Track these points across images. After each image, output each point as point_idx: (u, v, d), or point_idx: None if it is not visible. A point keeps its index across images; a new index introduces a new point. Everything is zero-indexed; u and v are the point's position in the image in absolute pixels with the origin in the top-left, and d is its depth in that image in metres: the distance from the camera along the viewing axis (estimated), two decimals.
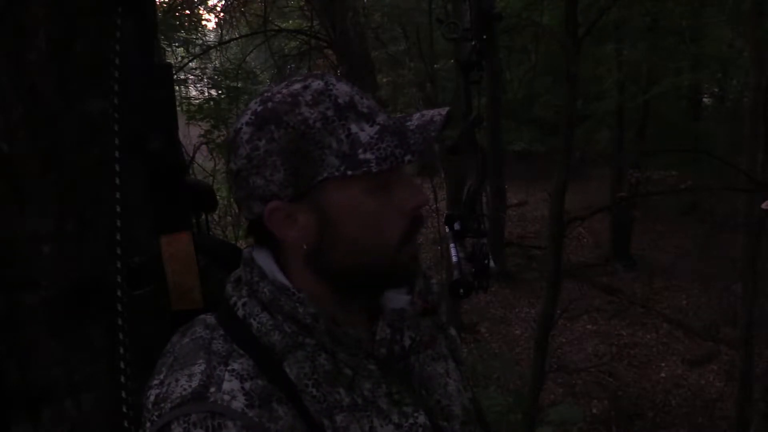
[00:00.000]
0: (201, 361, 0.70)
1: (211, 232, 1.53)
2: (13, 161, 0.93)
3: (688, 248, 9.78)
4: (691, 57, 9.61)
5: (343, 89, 0.74)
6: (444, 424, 0.80)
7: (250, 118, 0.73)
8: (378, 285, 0.78)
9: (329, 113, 0.71)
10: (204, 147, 6.82)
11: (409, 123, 0.73)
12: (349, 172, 0.70)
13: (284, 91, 0.73)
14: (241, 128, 0.74)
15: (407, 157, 0.70)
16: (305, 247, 0.74)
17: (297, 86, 0.73)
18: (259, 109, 0.73)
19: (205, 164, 6.93)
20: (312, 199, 0.72)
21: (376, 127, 0.73)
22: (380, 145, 0.71)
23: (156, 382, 0.71)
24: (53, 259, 0.96)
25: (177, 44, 9.59)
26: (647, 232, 10.65)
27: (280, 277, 0.75)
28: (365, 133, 0.72)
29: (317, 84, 0.73)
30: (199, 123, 7.05)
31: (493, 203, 9.09)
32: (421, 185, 0.83)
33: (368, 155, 0.70)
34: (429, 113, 0.74)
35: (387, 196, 0.73)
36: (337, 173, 0.70)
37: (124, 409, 0.91)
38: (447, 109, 0.75)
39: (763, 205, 3.58)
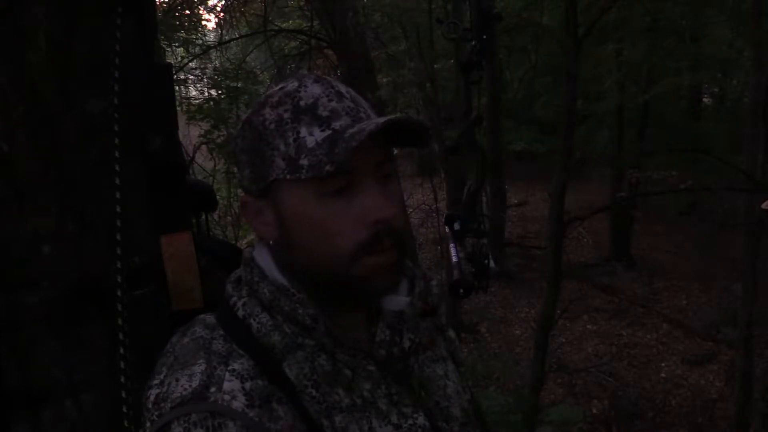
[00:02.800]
0: (201, 361, 0.70)
1: (211, 232, 1.53)
2: (13, 161, 0.93)
3: (688, 248, 9.78)
4: (691, 57, 9.61)
5: (312, 91, 0.73)
6: (443, 426, 0.80)
7: (243, 117, 0.78)
8: (340, 296, 0.75)
9: (285, 115, 0.72)
10: (204, 147, 6.83)
11: (348, 130, 0.70)
12: (289, 176, 0.70)
13: (269, 91, 0.77)
14: (237, 126, 0.80)
15: (327, 168, 0.67)
16: (271, 243, 0.76)
17: (278, 87, 0.76)
18: (250, 108, 0.78)
19: (205, 164, 6.94)
20: (271, 197, 0.74)
21: (327, 133, 0.71)
22: (316, 152, 0.69)
23: (156, 381, 0.71)
24: (53, 259, 0.96)
25: (177, 44, 9.60)
26: (647, 232, 10.65)
27: (280, 278, 0.75)
28: (312, 137, 0.71)
29: (291, 85, 0.74)
30: (199, 123, 7.05)
31: (493, 203, 9.10)
32: (399, 196, 0.78)
33: (305, 161, 0.69)
34: (370, 122, 0.71)
35: (343, 204, 0.71)
36: (282, 176, 0.71)
37: (124, 409, 0.91)
38: (388, 118, 0.70)
39: (763, 205, 3.59)
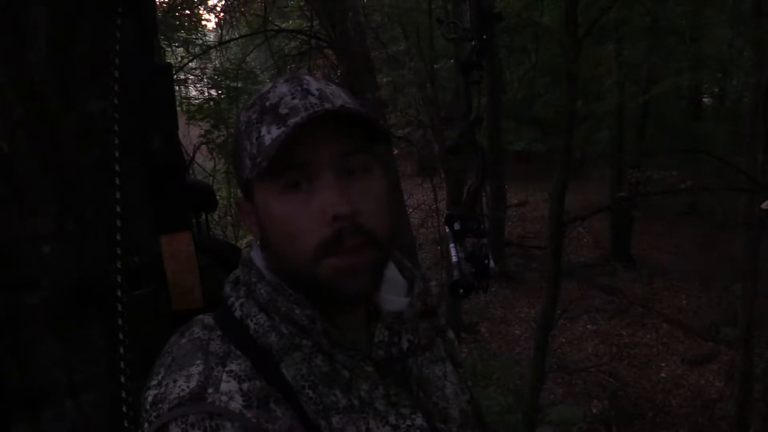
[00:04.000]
0: (199, 361, 0.70)
1: (211, 232, 1.53)
2: (13, 161, 0.93)
3: (688, 248, 9.78)
4: (691, 57, 9.61)
5: (280, 91, 0.73)
6: (441, 427, 0.79)
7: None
8: (315, 298, 0.72)
9: (253, 116, 0.73)
10: (204, 147, 6.82)
11: (288, 126, 0.69)
12: (251, 176, 0.72)
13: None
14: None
15: (263, 164, 0.68)
16: (257, 242, 0.77)
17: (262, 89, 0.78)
18: None
19: (205, 164, 6.93)
20: (252, 197, 0.75)
21: (282, 130, 0.70)
22: (268, 150, 0.69)
23: (154, 382, 0.71)
24: (53, 259, 0.96)
25: (177, 44, 9.59)
26: (647, 232, 10.65)
27: (275, 278, 0.75)
28: (269, 136, 0.71)
29: (266, 87, 0.76)
30: (199, 123, 7.05)
31: (493, 203, 9.10)
32: (357, 193, 0.71)
33: (259, 159, 0.70)
34: (301, 115, 0.69)
35: (301, 200, 0.70)
36: (250, 175, 0.72)
37: (124, 409, 0.91)
38: (315, 110, 0.68)
39: (763, 205, 3.59)
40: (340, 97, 0.74)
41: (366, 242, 0.70)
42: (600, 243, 10.58)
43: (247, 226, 0.79)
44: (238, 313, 0.75)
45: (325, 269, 0.70)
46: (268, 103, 0.73)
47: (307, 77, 0.75)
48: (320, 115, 0.68)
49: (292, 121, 0.69)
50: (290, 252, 0.71)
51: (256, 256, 0.78)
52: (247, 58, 9.29)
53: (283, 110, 0.71)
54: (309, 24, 7.43)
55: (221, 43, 8.14)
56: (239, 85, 8.03)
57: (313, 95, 0.72)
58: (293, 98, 0.72)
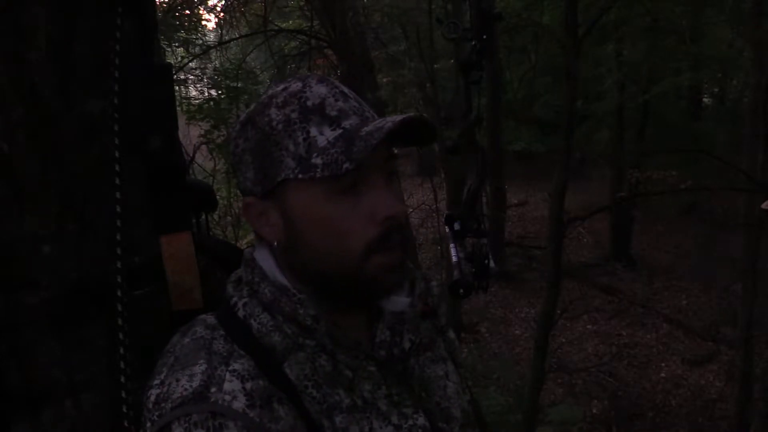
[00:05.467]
0: (202, 361, 0.70)
1: (211, 232, 1.53)
2: (13, 161, 0.93)
3: (688, 248, 9.79)
4: (691, 57, 9.61)
5: (318, 91, 0.73)
6: (443, 426, 0.80)
7: (241, 117, 0.78)
8: (348, 295, 0.75)
9: (293, 115, 0.72)
10: (204, 147, 6.82)
11: (363, 129, 0.70)
12: (300, 176, 0.70)
13: (270, 91, 0.77)
14: (234, 127, 0.79)
15: (345, 165, 0.67)
16: (276, 244, 0.76)
17: (280, 87, 0.76)
18: (249, 108, 0.78)
19: (205, 164, 6.93)
20: (278, 197, 0.74)
21: (338, 132, 0.71)
22: (330, 151, 0.69)
23: (156, 382, 0.71)
24: (53, 259, 0.96)
25: (177, 44, 9.59)
26: (647, 232, 10.66)
27: (281, 278, 0.75)
28: (324, 137, 0.71)
29: (295, 86, 0.75)
30: (199, 123, 7.05)
31: (493, 203, 9.10)
32: (401, 194, 0.79)
33: (318, 160, 0.70)
34: (385, 120, 0.71)
35: (352, 201, 0.71)
36: (292, 175, 0.71)
37: (124, 409, 0.91)
38: (405, 116, 0.71)
39: (763, 205, 3.59)
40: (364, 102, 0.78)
41: (403, 239, 0.74)
42: (600, 243, 10.58)
43: (256, 227, 0.78)
44: (241, 313, 0.75)
45: (372, 266, 0.72)
46: (309, 103, 0.72)
47: (328, 78, 0.78)
48: (411, 122, 0.71)
49: (347, 123, 0.71)
50: (332, 252, 0.72)
51: (260, 257, 0.78)
52: (247, 58, 9.28)
53: (330, 112, 0.72)
54: (309, 24, 7.43)
55: (221, 43, 8.13)
56: (239, 85, 8.03)
57: (351, 98, 0.75)
58: (336, 100, 0.73)
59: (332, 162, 0.68)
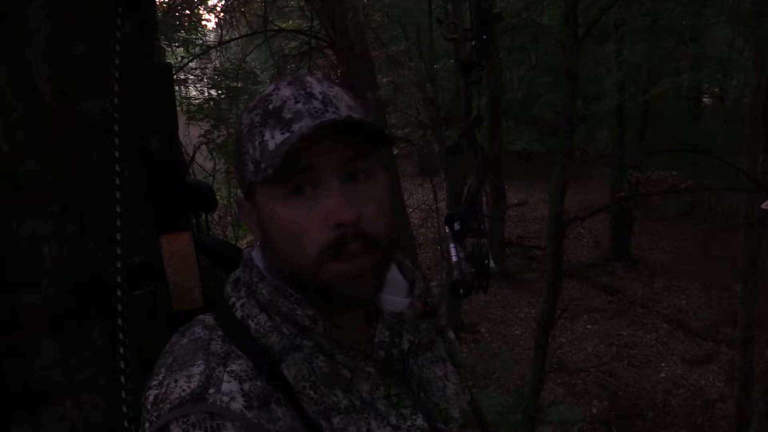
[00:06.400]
0: (200, 361, 0.70)
1: (211, 232, 1.53)
2: (13, 161, 0.93)
3: (688, 248, 9.79)
4: (691, 57, 9.60)
5: (282, 94, 0.72)
6: (442, 427, 0.79)
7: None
8: (317, 300, 0.72)
9: (256, 119, 0.73)
10: (204, 147, 6.82)
11: (295, 134, 0.68)
12: (254, 179, 0.72)
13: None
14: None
15: (268, 171, 0.68)
16: (258, 243, 0.78)
17: (269, 88, 0.76)
18: None
19: (205, 164, 6.93)
20: (253, 199, 0.75)
21: (285, 135, 0.70)
22: (273, 155, 0.69)
23: (155, 382, 0.71)
24: (53, 259, 0.96)
25: (177, 44, 9.58)
26: (647, 232, 10.66)
27: (277, 279, 0.75)
28: (273, 141, 0.70)
29: (269, 89, 0.75)
30: (199, 123, 7.04)
31: (493, 203, 9.10)
32: (360, 198, 0.70)
33: (264, 164, 0.70)
34: (309, 123, 0.69)
35: (306, 204, 0.70)
36: (253, 178, 0.72)
37: (124, 409, 0.91)
38: (322, 120, 0.68)
39: (763, 205, 3.59)
40: (343, 101, 0.73)
41: (367, 247, 0.70)
42: (600, 243, 10.58)
43: (247, 226, 0.80)
44: (239, 314, 0.75)
45: (326, 274, 0.70)
46: (271, 106, 0.72)
47: (310, 79, 0.75)
48: (326, 125, 0.68)
49: (296, 126, 0.69)
50: (292, 255, 0.71)
51: (257, 257, 0.78)
52: (247, 58, 9.28)
53: (286, 114, 0.71)
54: (309, 24, 7.43)
55: (221, 43, 8.14)
56: (239, 85, 8.02)
57: (316, 99, 0.71)
58: (296, 102, 0.71)
59: (268, 167, 0.69)
